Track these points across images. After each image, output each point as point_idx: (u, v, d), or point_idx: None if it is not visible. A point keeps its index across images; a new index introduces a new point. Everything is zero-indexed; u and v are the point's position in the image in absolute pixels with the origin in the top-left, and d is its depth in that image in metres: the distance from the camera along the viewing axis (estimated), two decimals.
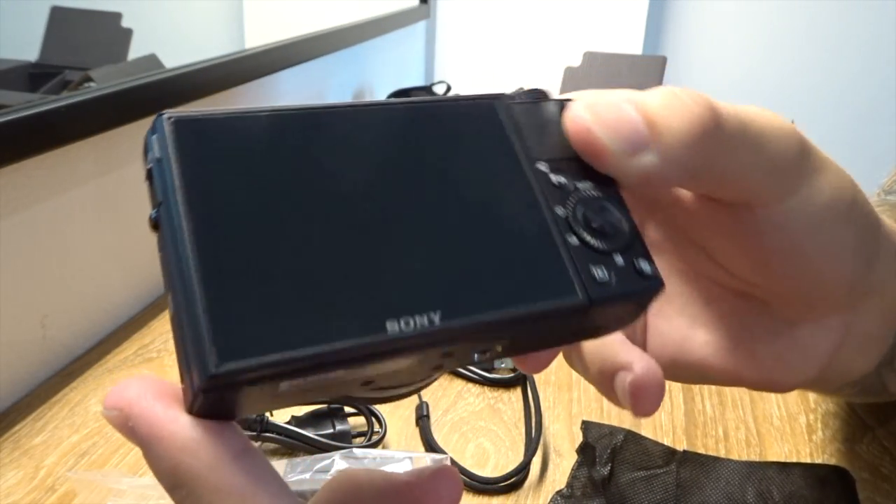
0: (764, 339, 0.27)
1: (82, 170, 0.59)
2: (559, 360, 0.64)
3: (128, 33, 0.71)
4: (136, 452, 0.48)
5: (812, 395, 0.55)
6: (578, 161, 0.21)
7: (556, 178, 0.20)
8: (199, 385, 0.15)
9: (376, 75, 1.30)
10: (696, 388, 0.56)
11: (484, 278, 0.18)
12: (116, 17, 0.70)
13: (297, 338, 0.16)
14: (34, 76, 0.62)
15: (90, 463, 0.47)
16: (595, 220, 0.20)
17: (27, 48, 0.61)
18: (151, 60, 0.71)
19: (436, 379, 0.22)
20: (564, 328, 0.20)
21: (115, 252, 0.64)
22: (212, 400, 0.16)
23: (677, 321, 0.29)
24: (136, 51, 0.70)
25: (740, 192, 0.24)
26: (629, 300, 0.20)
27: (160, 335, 0.62)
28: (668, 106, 0.21)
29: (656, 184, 0.21)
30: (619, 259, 0.20)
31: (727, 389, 0.55)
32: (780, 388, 0.28)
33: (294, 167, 0.18)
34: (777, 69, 1.65)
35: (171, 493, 0.17)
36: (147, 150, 0.17)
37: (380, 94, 1.27)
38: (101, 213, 0.62)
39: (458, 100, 0.21)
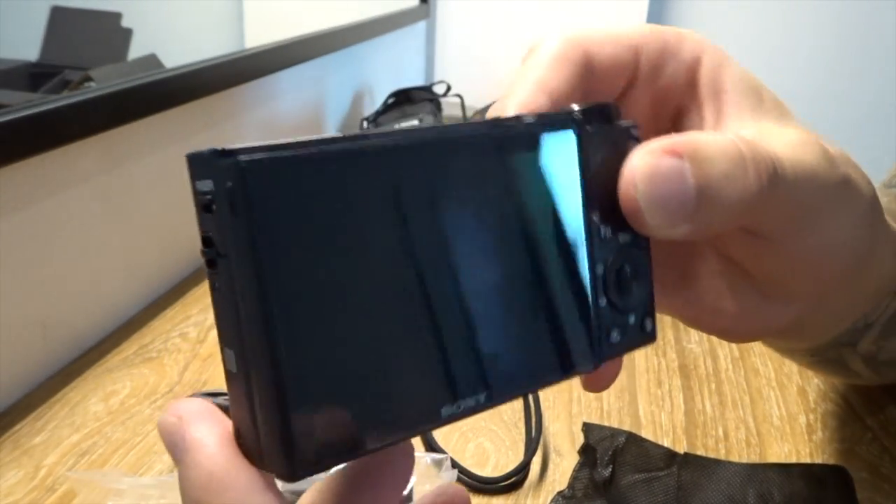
0: (735, 298, 0.28)
1: (82, 169, 0.59)
2: None
3: (128, 33, 0.71)
4: (136, 452, 0.48)
5: (812, 395, 0.55)
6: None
7: (604, 231, 0.21)
8: (275, 474, 0.17)
9: (376, 75, 1.30)
10: (696, 387, 0.56)
11: (523, 359, 0.20)
12: (116, 16, 0.70)
13: (363, 440, 0.17)
14: (34, 76, 0.62)
15: (90, 463, 0.47)
16: (625, 279, 0.22)
17: (27, 48, 0.61)
18: (151, 60, 0.71)
19: None
20: None
21: (116, 252, 0.65)
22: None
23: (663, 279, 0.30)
24: (136, 51, 0.70)
25: (763, 235, 0.25)
26: (625, 353, 0.23)
27: (160, 335, 0.62)
28: (728, 177, 0.21)
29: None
30: (632, 318, 0.22)
31: (727, 389, 0.55)
32: (734, 338, 0.29)
33: (363, 225, 0.17)
34: (777, 69, 1.65)
35: None
36: (203, 176, 0.16)
37: (380, 93, 1.27)
38: (101, 212, 0.62)
39: (538, 123, 0.21)
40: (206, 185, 0.16)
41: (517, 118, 0.21)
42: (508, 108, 0.24)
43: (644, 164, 0.21)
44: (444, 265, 0.18)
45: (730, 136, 0.22)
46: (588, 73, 0.26)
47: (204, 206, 0.16)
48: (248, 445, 0.18)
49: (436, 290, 0.18)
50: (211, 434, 0.18)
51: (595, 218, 0.21)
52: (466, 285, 0.19)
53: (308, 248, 0.16)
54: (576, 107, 0.22)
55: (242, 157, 0.15)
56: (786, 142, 0.24)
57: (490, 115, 0.25)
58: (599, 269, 0.21)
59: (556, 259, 0.20)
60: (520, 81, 0.25)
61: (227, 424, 0.19)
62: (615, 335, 0.22)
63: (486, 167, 0.19)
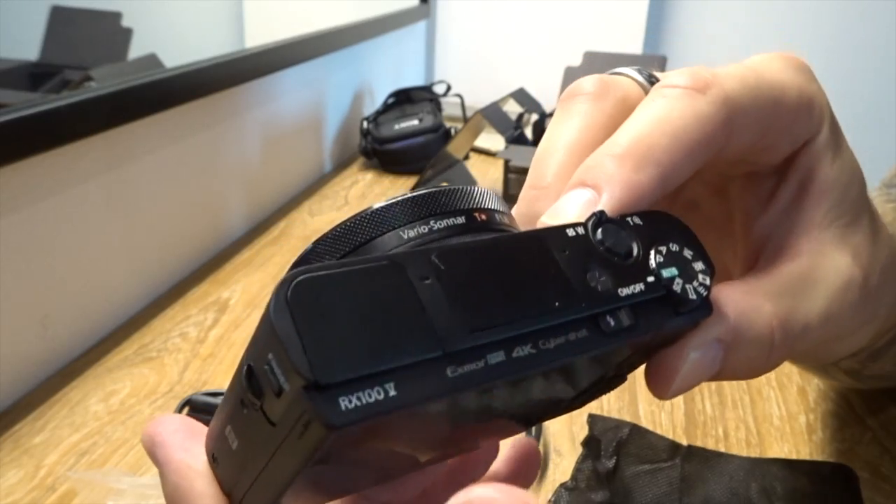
0: None
1: (82, 169, 0.59)
2: None
3: (128, 33, 0.71)
4: (136, 452, 0.48)
5: (812, 395, 0.55)
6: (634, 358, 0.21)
7: (613, 378, 0.22)
8: None
9: (376, 75, 1.30)
10: (696, 387, 0.56)
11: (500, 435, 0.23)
12: (116, 16, 0.70)
13: None
14: (34, 76, 0.62)
15: (90, 462, 0.47)
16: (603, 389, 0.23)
17: (27, 48, 0.61)
18: (151, 60, 0.71)
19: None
20: None
21: (116, 251, 0.65)
22: None
23: None
24: (136, 50, 0.70)
25: None
26: None
27: (160, 334, 0.62)
28: (749, 360, 0.21)
29: None
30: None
31: (727, 389, 0.55)
32: None
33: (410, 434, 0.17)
34: None
35: None
36: (280, 366, 0.15)
37: (380, 93, 1.27)
38: (100, 212, 0.62)
39: (631, 328, 0.18)
40: (279, 374, 0.14)
41: (617, 293, 0.18)
42: (612, 180, 0.20)
43: (693, 358, 0.20)
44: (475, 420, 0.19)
45: (770, 318, 0.21)
46: (719, 152, 0.22)
47: (269, 381, 0.15)
48: (223, 481, 0.19)
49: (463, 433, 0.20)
50: (176, 455, 0.20)
51: (612, 370, 0.21)
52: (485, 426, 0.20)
53: (347, 454, 0.16)
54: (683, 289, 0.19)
55: (333, 419, 0.14)
56: (829, 282, 0.23)
57: (578, 170, 0.21)
58: (585, 386, 0.21)
59: (555, 390, 0.20)
60: (637, 141, 0.20)
61: (197, 443, 0.20)
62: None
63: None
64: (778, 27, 1.64)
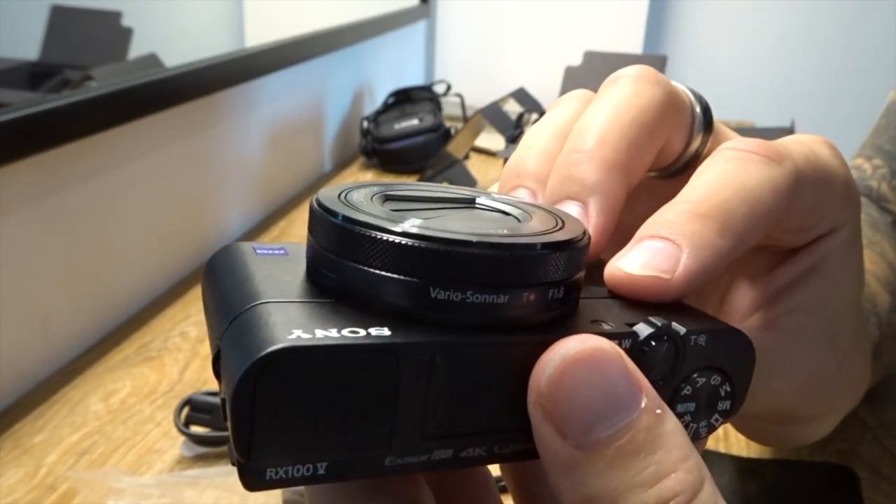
0: None
1: (82, 169, 0.59)
2: None
3: (128, 32, 0.71)
4: (137, 451, 0.48)
5: None
6: None
7: None
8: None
9: (376, 75, 1.30)
10: None
11: None
12: (116, 16, 0.70)
13: None
14: (35, 75, 0.62)
15: (90, 462, 0.47)
16: None
17: (27, 47, 0.61)
18: (151, 60, 0.71)
19: None
20: None
21: (116, 251, 0.65)
22: None
23: None
24: (136, 50, 0.70)
25: None
26: None
27: (160, 334, 0.62)
28: None
29: None
30: None
31: None
32: None
33: None
34: (778, 69, 1.65)
35: None
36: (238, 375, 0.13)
37: (380, 93, 1.27)
38: (100, 211, 0.62)
39: None
40: (227, 415, 0.14)
41: None
42: (697, 241, 0.18)
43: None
44: None
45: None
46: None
47: (221, 403, 0.14)
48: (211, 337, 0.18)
49: None
50: None
51: None
52: None
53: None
54: None
55: (254, 485, 0.14)
56: (794, 368, 0.23)
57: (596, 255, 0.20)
58: None
59: None
60: (718, 204, 0.19)
61: None
62: None
63: None
64: (778, 27, 1.64)
